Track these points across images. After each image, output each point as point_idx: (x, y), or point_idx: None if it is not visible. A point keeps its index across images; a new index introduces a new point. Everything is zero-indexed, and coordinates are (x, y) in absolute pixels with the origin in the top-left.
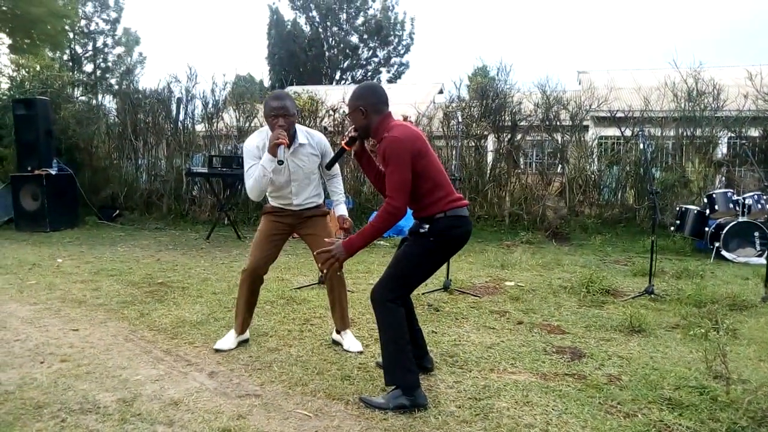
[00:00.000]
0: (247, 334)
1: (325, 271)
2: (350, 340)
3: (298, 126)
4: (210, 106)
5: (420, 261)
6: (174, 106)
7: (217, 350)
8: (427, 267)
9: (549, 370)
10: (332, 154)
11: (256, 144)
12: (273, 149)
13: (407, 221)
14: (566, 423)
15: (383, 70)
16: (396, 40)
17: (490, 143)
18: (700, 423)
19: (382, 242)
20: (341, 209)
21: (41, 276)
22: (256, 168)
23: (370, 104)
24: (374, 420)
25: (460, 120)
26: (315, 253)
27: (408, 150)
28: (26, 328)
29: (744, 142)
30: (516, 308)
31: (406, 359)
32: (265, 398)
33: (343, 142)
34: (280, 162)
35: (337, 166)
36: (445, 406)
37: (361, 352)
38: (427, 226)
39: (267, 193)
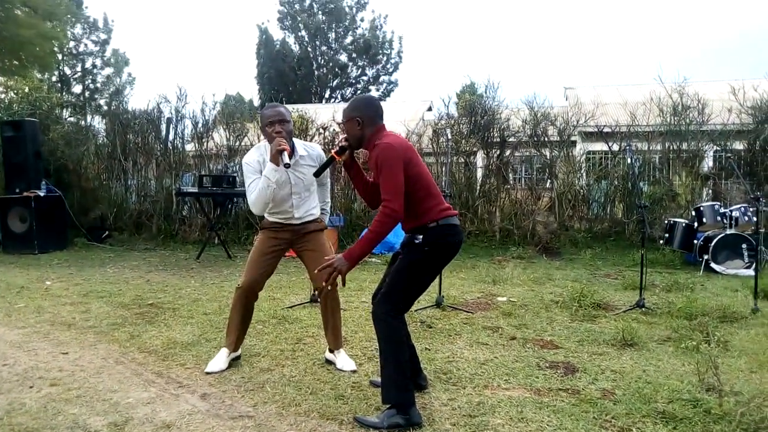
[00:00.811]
0: (239, 352)
1: (329, 287)
2: (343, 359)
3: (294, 139)
4: (200, 125)
5: (417, 272)
6: (163, 126)
7: (208, 373)
8: (425, 277)
9: (543, 385)
10: None
11: (256, 159)
12: (275, 157)
13: (397, 237)
14: None
15: (372, 88)
16: (384, 58)
17: (480, 159)
18: None
19: (373, 259)
20: (322, 218)
21: (30, 299)
22: (259, 181)
23: (366, 116)
24: None
25: (449, 137)
26: (317, 270)
27: (400, 156)
28: (14, 352)
29: (729, 155)
30: (509, 324)
31: (403, 377)
32: (258, 419)
33: (333, 151)
34: (287, 165)
35: (328, 175)
36: (440, 424)
37: (354, 371)
38: (421, 236)
39: (267, 211)
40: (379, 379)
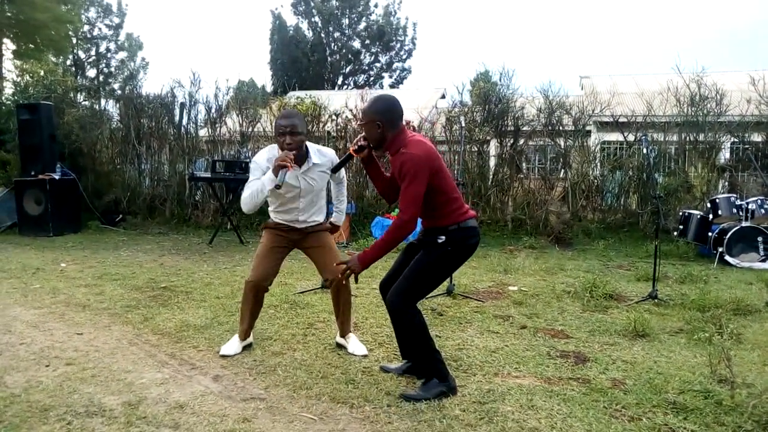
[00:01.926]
0: (251, 338)
1: (342, 282)
2: (354, 344)
3: (309, 144)
4: (213, 110)
5: (436, 270)
6: (177, 111)
7: (222, 356)
8: (442, 275)
9: (553, 374)
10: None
11: (266, 157)
12: (276, 170)
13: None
14: (571, 427)
15: (385, 75)
16: (398, 45)
17: (493, 148)
18: (705, 426)
19: None
20: (338, 218)
21: (45, 280)
22: (256, 182)
23: (386, 119)
24: (379, 423)
25: (463, 125)
26: (335, 264)
27: (426, 167)
28: (31, 331)
29: (747, 147)
30: (519, 313)
31: (436, 352)
32: (270, 402)
33: (352, 149)
34: (278, 186)
35: (343, 173)
36: (450, 410)
37: (365, 356)
38: (444, 237)
39: (272, 209)
40: (389, 365)
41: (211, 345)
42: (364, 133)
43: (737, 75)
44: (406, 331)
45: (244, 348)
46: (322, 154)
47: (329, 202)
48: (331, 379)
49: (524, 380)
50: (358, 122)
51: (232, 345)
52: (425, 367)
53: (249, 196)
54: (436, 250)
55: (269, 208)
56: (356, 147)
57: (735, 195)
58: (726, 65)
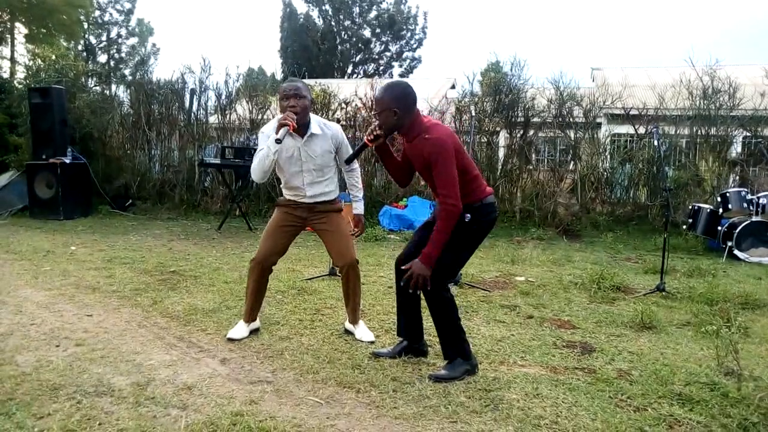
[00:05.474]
0: (258, 323)
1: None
2: (362, 331)
3: (313, 116)
4: (223, 97)
5: (464, 247)
6: (187, 97)
7: (230, 339)
8: (471, 251)
9: (559, 363)
10: (348, 146)
11: (272, 127)
12: (278, 129)
13: (417, 215)
14: (576, 415)
15: (395, 64)
16: (408, 34)
17: (502, 139)
18: (711, 418)
19: (392, 236)
20: (359, 207)
21: (55, 263)
22: (263, 150)
23: (403, 106)
24: (385, 408)
25: (473, 115)
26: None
27: (451, 147)
28: (42, 312)
29: (760, 141)
30: (526, 303)
31: (461, 332)
32: (277, 385)
33: (366, 139)
34: (278, 141)
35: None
36: (455, 397)
37: (372, 342)
38: (469, 215)
39: (282, 186)
40: (381, 350)
41: (219, 329)
42: (378, 122)
43: (751, 68)
44: (439, 310)
45: (252, 332)
46: (326, 127)
47: (342, 190)
48: (338, 364)
49: (530, 369)
50: (373, 111)
51: (240, 329)
52: (446, 347)
53: (257, 163)
54: (463, 229)
55: (281, 185)
56: (372, 137)
57: (746, 189)
58: (740, 58)
